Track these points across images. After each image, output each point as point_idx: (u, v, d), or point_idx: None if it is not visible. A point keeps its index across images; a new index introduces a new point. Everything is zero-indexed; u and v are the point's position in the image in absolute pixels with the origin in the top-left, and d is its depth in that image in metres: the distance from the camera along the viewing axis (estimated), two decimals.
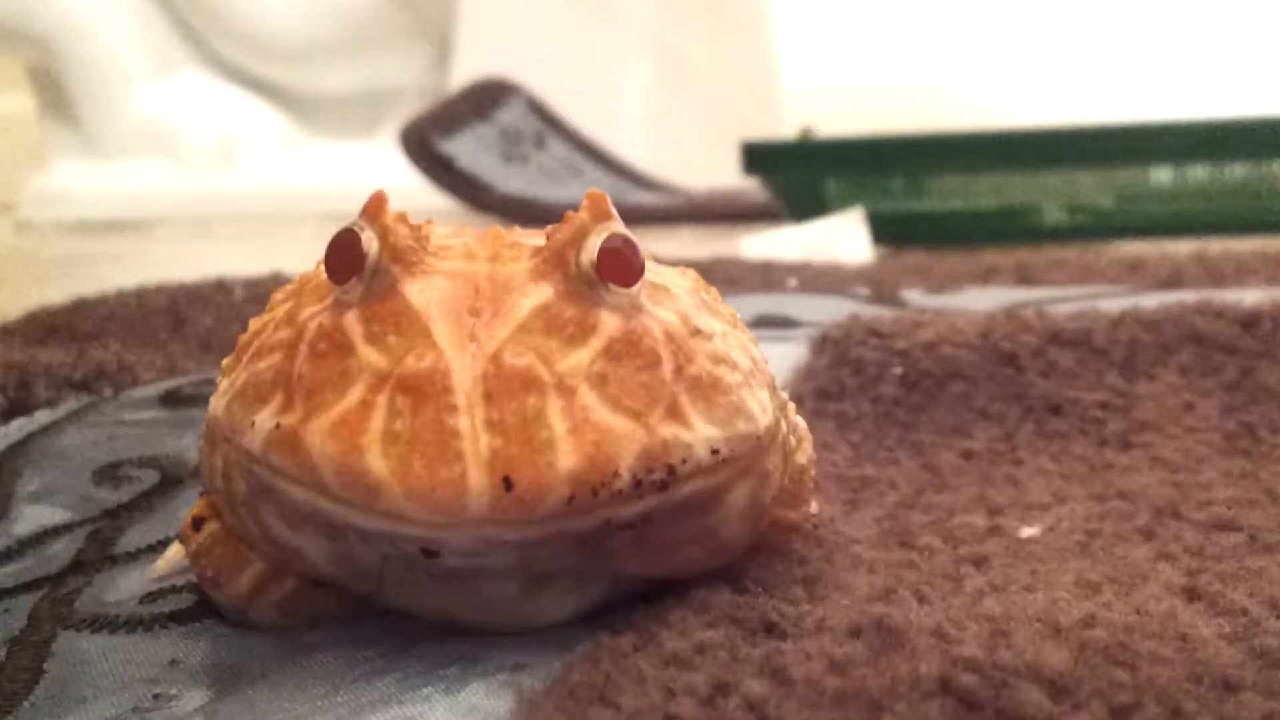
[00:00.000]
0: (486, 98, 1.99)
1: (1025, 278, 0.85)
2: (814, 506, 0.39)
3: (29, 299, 0.82)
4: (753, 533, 0.34)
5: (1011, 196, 1.40)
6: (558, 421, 0.28)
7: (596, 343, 0.30)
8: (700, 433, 0.30)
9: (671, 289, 0.33)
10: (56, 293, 0.82)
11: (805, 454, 0.37)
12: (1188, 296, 0.60)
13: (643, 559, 0.32)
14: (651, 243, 0.32)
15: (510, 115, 1.98)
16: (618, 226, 0.31)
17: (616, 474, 0.28)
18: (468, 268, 0.30)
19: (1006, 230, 1.33)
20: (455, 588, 0.31)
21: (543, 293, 0.30)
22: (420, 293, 0.30)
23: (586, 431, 0.28)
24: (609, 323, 0.30)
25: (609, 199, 0.31)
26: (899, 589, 0.35)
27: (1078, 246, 1.21)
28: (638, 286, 0.31)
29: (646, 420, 0.29)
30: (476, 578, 0.30)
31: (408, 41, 2.42)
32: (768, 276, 0.89)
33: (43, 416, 0.50)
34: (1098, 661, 0.27)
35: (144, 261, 1.54)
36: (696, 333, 0.32)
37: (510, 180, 1.84)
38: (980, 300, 0.72)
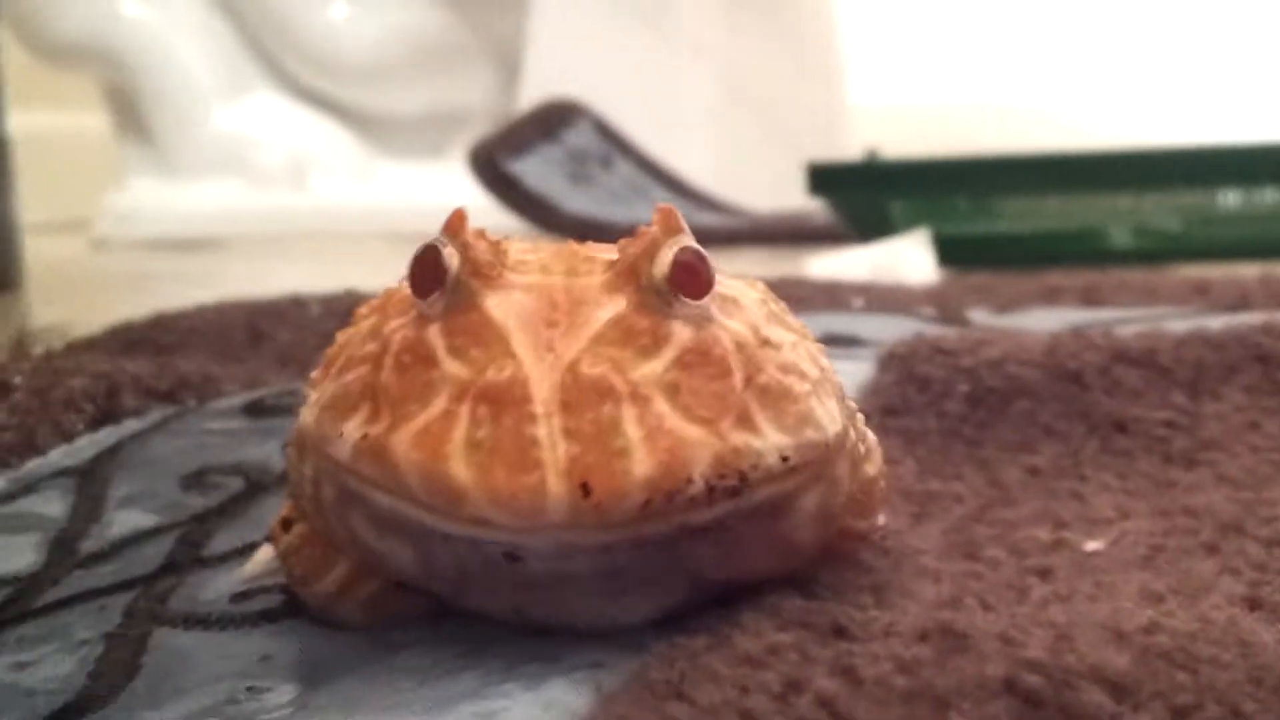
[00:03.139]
0: (554, 119, 2.01)
1: (1091, 299, 0.85)
2: (882, 518, 0.40)
3: (106, 315, 0.84)
4: (823, 539, 0.35)
5: (1078, 219, 1.39)
6: (633, 429, 0.29)
7: (669, 353, 0.31)
8: (770, 440, 0.31)
9: (741, 301, 0.34)
10: (132, 309, 0.83)
11: (875, 465, 0.38)
12: (1254, 318, 0.61)
13: (718, 564, 0.32)
14: (718, 263, 0.33)
15: (577, 136, 2.00)
16: (688, 240, 0.32)
17: (690, 480, 0.29)
18: (544, 281, 0.31)
19: (1073, 253, 1.33)
20: (535, 593, 0.32)
21: (617, 305, 0.31)
22: (499, 306, 0.31)
23: (660, 439, 0.29)
24: (681, 333, 0.31)
25: (679, 213, 0.33)
26: (965, 597, 0.35)
27: (1144, 269, 1.21)
28: (708, 298, 0.32)
29: (718, 428, 0.30)
30: (557, 584, 0.31)
31: (476, 63, 2.45)
32: (833, 296, 0.89)
33: (131, 425, 0.52)
34: (1159, 665, 0.28)
35: (218, 279, 1.56)
36: (765, 343, 0.33)
37: (577, 200, 1.85)
38: (1046, 320, 0.72)
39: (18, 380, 0.55)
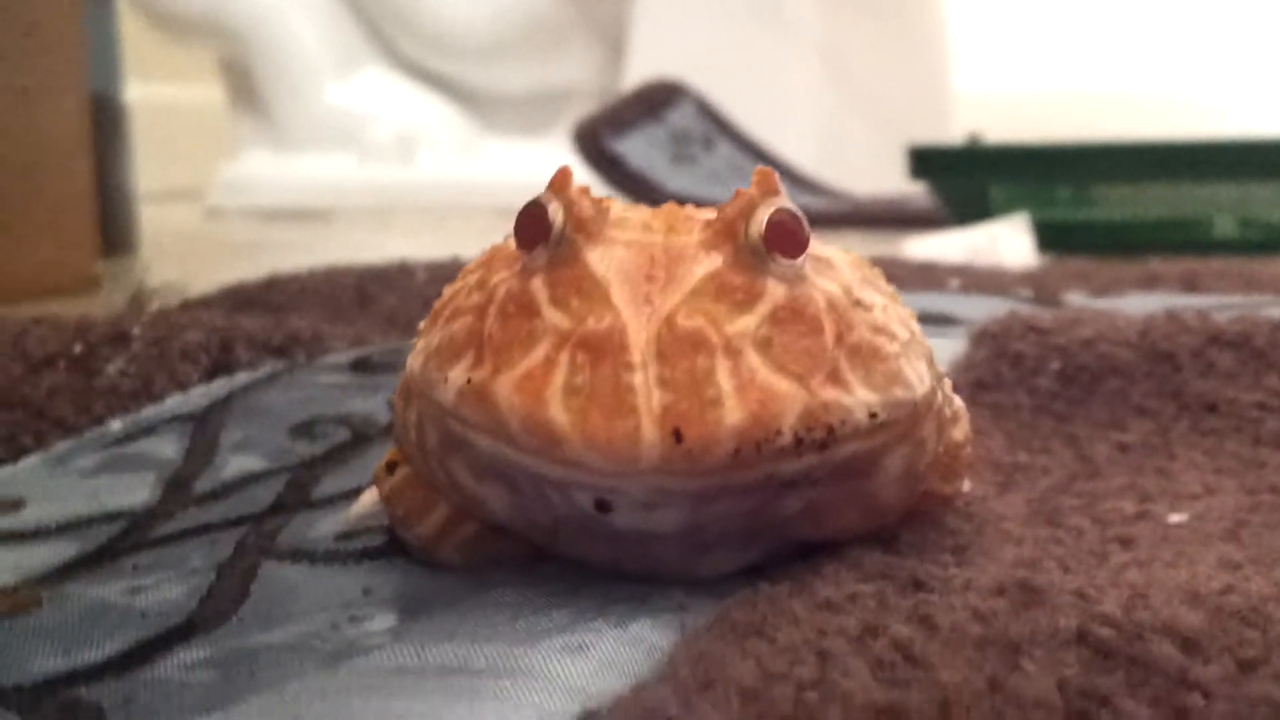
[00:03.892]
0: (657, 99, 2.02)
1: (1190, 286, 0.84)
2: (967, 484, 0.41)
3: (218, 279, 0.86)
4: (908, 499, 0.36)
5: (1181, 208, 1.38)
6: (725, 380, 0.30)
7: (763, 309, 0.32)
8: (859, 397, 0.32)
9: (834, 262, 0.35)
10: (244, 275, 0.85)
11: (961, 430, 0.38)
12: None
13: (804, 521, 0.34)
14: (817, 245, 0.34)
15: (680, 117, 2.01)
16: (785, 202, 0.33)
17: (779, 431, 0.30)
18: (644, 238, 0.33)
19: (1174, 242, 1.31)
20: (623, 545, 0.33)
21: (713, 262, 0.32)
22: (601, 260, 0.32)
23: (752, 391, 0.30)
24: (775, 291, 0.32)
25: (776, 175, 0.34)
26: (1044, 560, 0.36)
27: (1247, 260, 1.19)
28: (803, 258, 0.33)
29: (808, 383, 0.31)
30: (644, 539, 0.33)
31: (582, 43, 2.47)
32: (930, 276, 0.89)
33: (243, 377, 0.54)
34: (1230, 623, 0.29)
35: (326, 249, 1.59)
36: (857, 303, 0.34)
37: (678, 180, 1.86)
38: (1142, 305, 0.72)
39: (136, 331, 0.57)
